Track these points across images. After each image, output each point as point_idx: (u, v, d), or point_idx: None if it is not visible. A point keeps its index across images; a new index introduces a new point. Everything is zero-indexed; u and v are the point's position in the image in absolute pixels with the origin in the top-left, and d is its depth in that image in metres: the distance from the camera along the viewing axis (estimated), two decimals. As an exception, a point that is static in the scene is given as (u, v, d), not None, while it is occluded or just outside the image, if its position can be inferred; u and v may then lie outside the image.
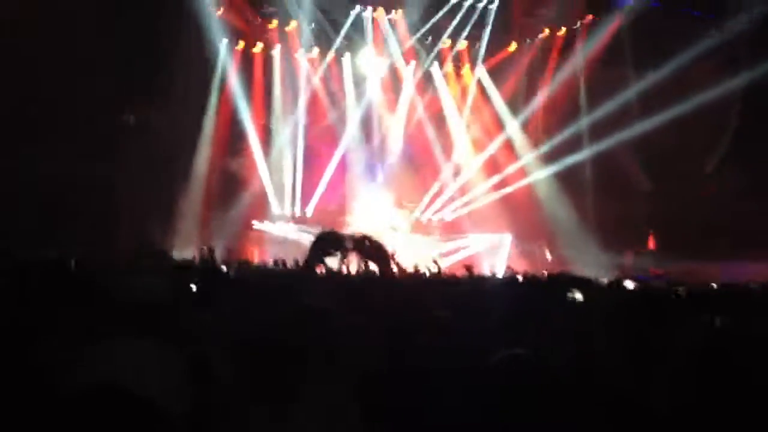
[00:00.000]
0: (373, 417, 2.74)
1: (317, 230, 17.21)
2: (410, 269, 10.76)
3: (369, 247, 3.29)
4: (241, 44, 18.54)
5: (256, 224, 18.12)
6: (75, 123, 13.81)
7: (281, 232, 18.09)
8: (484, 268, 15.85)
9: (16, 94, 13.32)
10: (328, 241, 3.37)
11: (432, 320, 3.61)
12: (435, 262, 10.99)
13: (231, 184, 17.93)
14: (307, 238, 17.27)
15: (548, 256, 17.92)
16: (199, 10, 16.82)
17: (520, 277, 8.76)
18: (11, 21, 13.52)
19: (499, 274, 12.24)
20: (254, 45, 18.72)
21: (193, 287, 5.65)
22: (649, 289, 5.03)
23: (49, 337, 2.71)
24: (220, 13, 17.48)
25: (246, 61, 18.61)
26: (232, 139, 18.30)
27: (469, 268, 10.06)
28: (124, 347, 2.52)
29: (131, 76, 14.88)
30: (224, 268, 9.46)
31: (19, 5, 13.92)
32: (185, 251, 13.43)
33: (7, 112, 13.15)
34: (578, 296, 4.77)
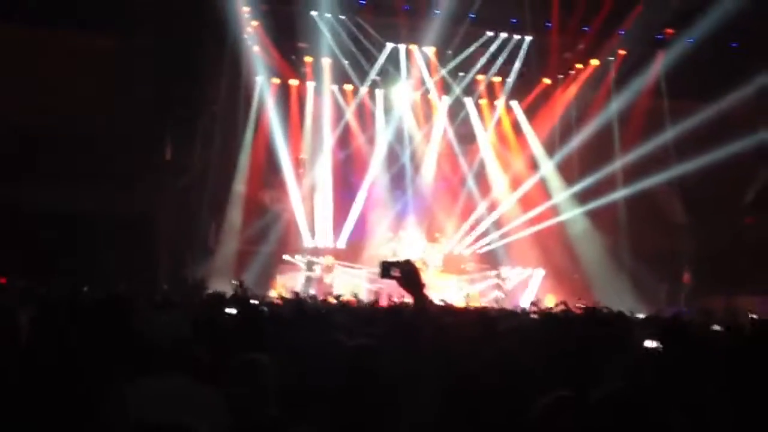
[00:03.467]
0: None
1: (347, 264, 17.35)
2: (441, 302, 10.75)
3: (407, 273, 3.26)
4: (277, 79, 18.81)
5: (287, 257, 18.19)
6: (113, 160, 14.04)
7: (311, 266, 18.16)
8: (520, 302, 15.75)
9: (55, 132, 13.63)
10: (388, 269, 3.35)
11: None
12: (466, 297, 10.98)
13: (265, 217, 18.07)
14: (337, 272, 17.41)
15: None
16: (236, 48, 17.15)
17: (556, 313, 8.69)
18: (50, 62, 13.96)
19: (530, 307, 12.10)
20: (289, 80, 18.97)
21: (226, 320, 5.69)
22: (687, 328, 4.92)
23: (94, 375, 2.75)
24: (257, 49, 17.79)
25: (282, 96, 18.87)
26: (268, 172, 18.52)
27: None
28: (163, 384, 2.55)
29: (169, 112, 15.13)
30: (255, 302, 9.52)
31: (62, 46, 14.35)
32: (222, 284, 13.54)
33: (46, 151, 13.46)
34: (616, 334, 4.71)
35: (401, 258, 3.36)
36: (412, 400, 2.88)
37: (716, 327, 6.11)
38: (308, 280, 17.62)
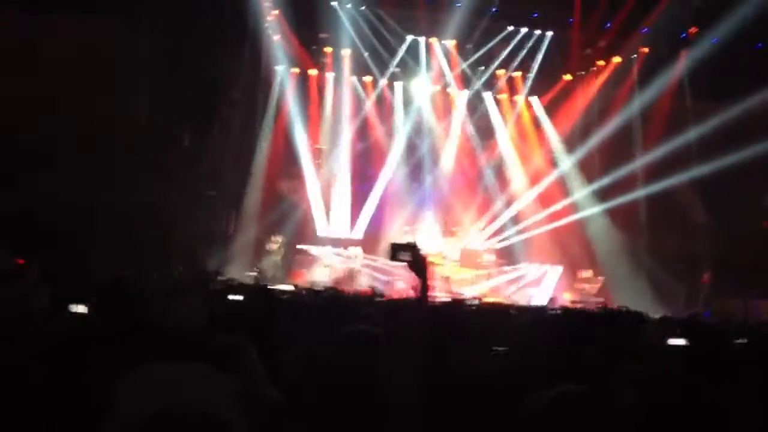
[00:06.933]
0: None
1: (359, 251, 17.23)
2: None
3: (415, 256, 3.24)
4: (297, 69, 18.81)
5: (303, 247, 18.20)
6: (131, 149, 14.06)
7: (326, 255, 18.14)
8: (537, 299, 15.69)
9: (69, 122, 13.64)
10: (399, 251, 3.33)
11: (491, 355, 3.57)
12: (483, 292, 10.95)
13: (282, 206, 18.09)
14: (350, 262, 17.36)
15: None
16: (257, 36, 17.15)
17: (571, 309, 8.64)
18: (63, 49, 13.95)
19: (548, 304, 12.04)
20: (309, 70, 18.98)
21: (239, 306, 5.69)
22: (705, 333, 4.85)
23: (107, 360, 2.75)
24: (277, 38, 17.79)
25: (301, 86, 18.88)
26: (286, 162, 18.53)
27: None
28: (181, 371, 2.53)
29: (189, 100, 15.14)
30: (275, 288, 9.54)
31: (74, 33, 14.34)
32: (238, 272, 13.59)
33: (62, 141, 13.48)
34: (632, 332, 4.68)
35: (411, 241, 3.35)
36: (408, 388, 2.87)
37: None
38: (328, 270, 17.57)
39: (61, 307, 4.03)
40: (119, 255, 11.85)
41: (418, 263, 3.20)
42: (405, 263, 3.21)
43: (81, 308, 3.84)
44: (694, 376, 3.66)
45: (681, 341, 4.29)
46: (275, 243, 17.07)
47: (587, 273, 17.61)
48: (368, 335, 3.11)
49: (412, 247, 3.22)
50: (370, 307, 6.36)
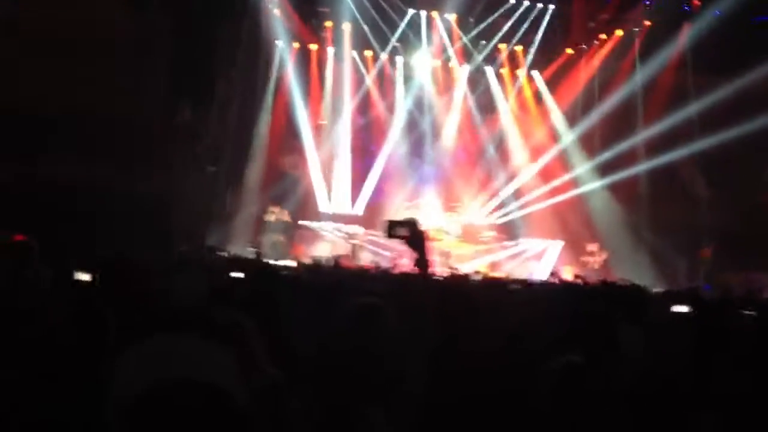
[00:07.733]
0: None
1: (361, 230, 17.19)
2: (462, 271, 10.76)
3: (413, 232, 3.20)
4: (297, 44, 18.68)
5: (304, 222, 18.18)
6: (130, 123, 14.00)
7: (328, 231, 18.13)
8: (537, 274, 15.71)
9: (68, 98, 13.58)
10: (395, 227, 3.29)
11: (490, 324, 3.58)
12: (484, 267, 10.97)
13: (283, 182, 18.06)
14: (352, 238, 17.35)
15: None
16: (256, 10, 17.02)
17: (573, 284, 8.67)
18: (61, 23, 13.84)
19: (549, 279, 12.04)
20: (309, 45, 18.85)
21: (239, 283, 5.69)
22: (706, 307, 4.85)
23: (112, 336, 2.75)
24: (277, 13, 17.65)
25: (301, 61, 18.76)
26: (286, 137, 18.48)
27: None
28: (181, 343, 2.52)
29: (189, 76, 15.06)
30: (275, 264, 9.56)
31: (71, 7, 14.22)
32: (239, 248, 13.58)
33: (61, 119, 13.43)
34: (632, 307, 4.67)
35: (410, 217, 3.32)
36: (413, 362, 2.87)
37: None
38: (330, 246, 17.57)
39: (64, 285, 4.03)
40: (121, 232, 11.86)
41: (416, 238, 3.16)
42: (402, 239, 3.17)
43: (85, 276, 3.84)
44: (699, 350, 3.67)
45: (684, 308, 4.30)
46: (273, 214, 17.02)
47: (593, 246, 17.57)
48: (371, 308, 3.11)
49: (409, 223, 3.18)
50: (372, 282, 6.37)
